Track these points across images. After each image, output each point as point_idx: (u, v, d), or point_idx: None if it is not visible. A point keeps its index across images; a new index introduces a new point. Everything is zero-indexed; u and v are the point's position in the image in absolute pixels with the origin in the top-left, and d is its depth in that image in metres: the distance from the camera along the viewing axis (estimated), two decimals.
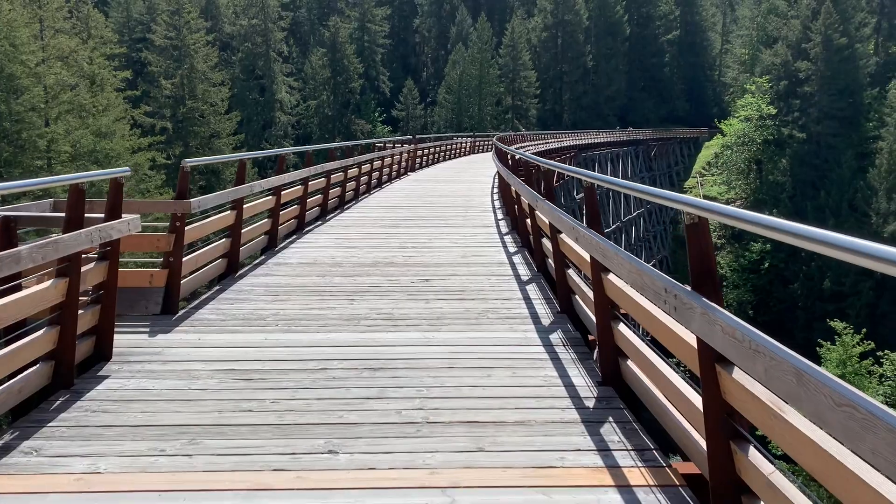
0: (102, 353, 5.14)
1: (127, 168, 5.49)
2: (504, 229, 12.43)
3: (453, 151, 40.83)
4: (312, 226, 12.40)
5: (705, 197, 76.93)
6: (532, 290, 7.74)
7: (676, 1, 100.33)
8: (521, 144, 31.27)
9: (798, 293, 62.41)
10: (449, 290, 7.70)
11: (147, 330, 5.96)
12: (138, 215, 5.44)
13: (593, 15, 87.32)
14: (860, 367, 42.14)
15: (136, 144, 40.53)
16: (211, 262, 7.89)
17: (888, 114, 63.53)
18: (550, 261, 7.58)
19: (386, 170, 20.91)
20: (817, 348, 43.53)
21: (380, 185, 20.19)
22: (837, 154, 66.48)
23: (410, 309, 6.77)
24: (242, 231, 8.63)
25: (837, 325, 43.34)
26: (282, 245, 10.49)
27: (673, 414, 3.81)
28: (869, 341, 42.08)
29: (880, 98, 68.56)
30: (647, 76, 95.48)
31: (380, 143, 21.40)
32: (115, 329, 5.31)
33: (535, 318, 6.56)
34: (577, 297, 6.43)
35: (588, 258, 5.10)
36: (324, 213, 13.54)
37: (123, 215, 5.16)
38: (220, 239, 8.19)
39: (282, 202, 10.45)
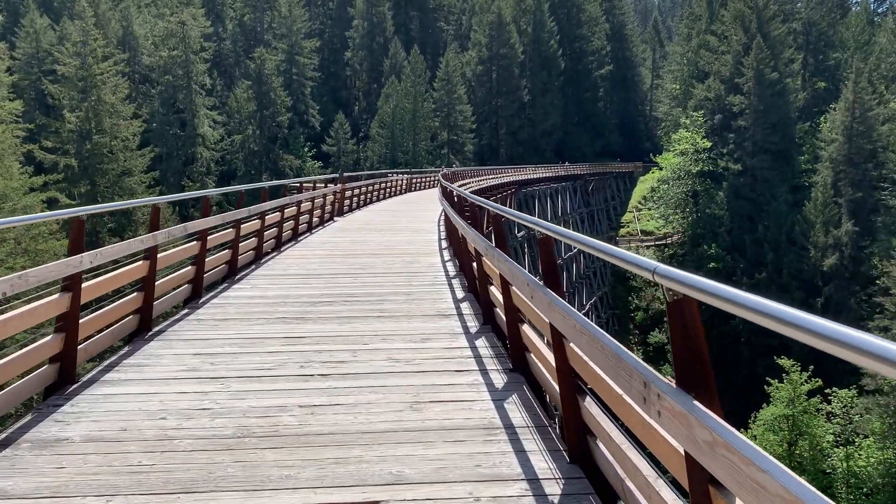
0: None
1: None
2: (471, 320, 8.24)
3: (388, 190, 37.67)
4: (168, 322, 7.97)
5: (641, 231, 76.27)
6: None
7: (608, 36, 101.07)
8: (462, 181, 28.45)
9: (740, 327, 61.27)
10: None
11: None
12: None
13: (528, 49, 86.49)
14: (808, 405, 40.74)
15: (29, 183, 36.04)
16: None
17: (822, 147, 63.90)
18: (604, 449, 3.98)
19: (304, 217, 17.36)
20: (765, 386, 42.01)
21: (295, 237, 16.14)
22: (773, 187, 66.46)
23: None
24: None
25: (785, 362, 41.89)
26: (88, 378, 5.98)
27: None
28: (817, 378, 40.78)
29: (812, 132, 69.22)
30: (581, 111, 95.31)
31: (296, 182, 17.65)
32: None
33: None
34: None
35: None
36: (197, 294, 9.23)
37: None
38: None
39: (107, 291, 6.46)
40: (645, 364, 3.02)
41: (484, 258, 7.55)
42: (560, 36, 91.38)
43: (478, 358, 6.62)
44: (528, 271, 5.32)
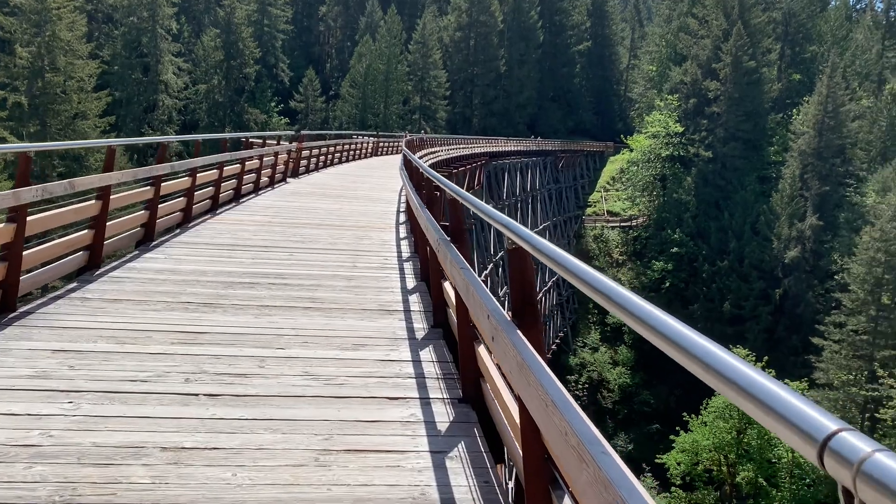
0: None
1: None
2: (419, 320, 6.77)
3: (353, 153, 36.33)
4: (44, 300, 6.33)
5: (608, 212, 76.03)
6: None
7: (588, 12, 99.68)
8: (431, 149, 27.34)
9: (698, 314, 61.77)
10: None
11: None
12: None
13: (508, 18, 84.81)
14: None
15: None
16: None
17: (792, 139, 63.94)
18: None
19: (251, 176, 15.96)
20: None
21: (237, 198, 14.74)
22: (741, 176, 66.52)
23: None
24: None
25: (740, 351, 42.22)
26: None
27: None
28: (770, 369, 41.17)
29: (783, 123, 69.25)
30: (557, 86, 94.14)
31: (242, 137, 16.31)
32: None
33: None
34: None
35: None
36: (94, 264, 7.72)
37: None
38: None
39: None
40: None
41: (437, 252, 5.93)
42: (541, 7, 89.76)
43: (420, 378, 5.20)
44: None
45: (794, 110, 68.80)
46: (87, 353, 5.21)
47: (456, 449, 4.06)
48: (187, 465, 3.65)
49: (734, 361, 1.33)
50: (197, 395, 4.58)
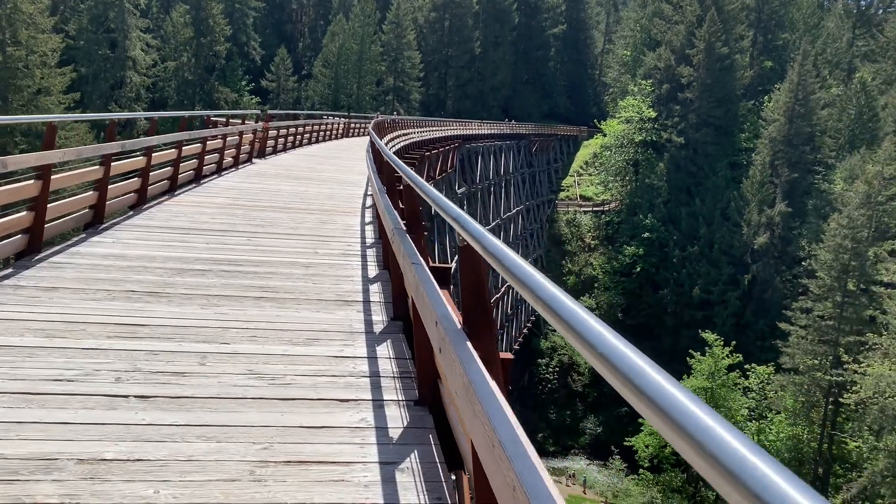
0: None
1: None
2: (379, 311, 6.35)
3: (323, 133, 35.76)
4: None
5: (581, 196, 76.22)
6: None
7: None
8: (402, 132, 26.91)
9: (668, 299, 62.36)
10: None
11: None
12: None
13: (482, 0, 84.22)
14: (728, 379, 41.69)
15: None
16: None
17: (763, 126, 64.47)
18: None
19: (213, 156, 15.45)
20: (688, 358, 42.68)
21: (197, 179, 14.15)
22: (713, 162, 66.99)
23: None
24: None
25: (709, 336, 42.66)
26: None
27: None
28: (737, 354, 41.69)
29: (755, 110, 69.76)
30: (531, 69, 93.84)
31: (203, 114, 15.83)
32: None
33: None
34: None
35: None
36: (34, 248, 7.17)
37: None
38: None
39: None
40: None
41: (391, 243, 5.48)
42: None
43: (374, 378, 4.78)
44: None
45: (766, 97, 69.29)
46: (9, 347, 4.70)
47: (408, 459, 3.71)
48: (104, 479, 3.24)
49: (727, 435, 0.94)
50: (126, 396, 4.15)
